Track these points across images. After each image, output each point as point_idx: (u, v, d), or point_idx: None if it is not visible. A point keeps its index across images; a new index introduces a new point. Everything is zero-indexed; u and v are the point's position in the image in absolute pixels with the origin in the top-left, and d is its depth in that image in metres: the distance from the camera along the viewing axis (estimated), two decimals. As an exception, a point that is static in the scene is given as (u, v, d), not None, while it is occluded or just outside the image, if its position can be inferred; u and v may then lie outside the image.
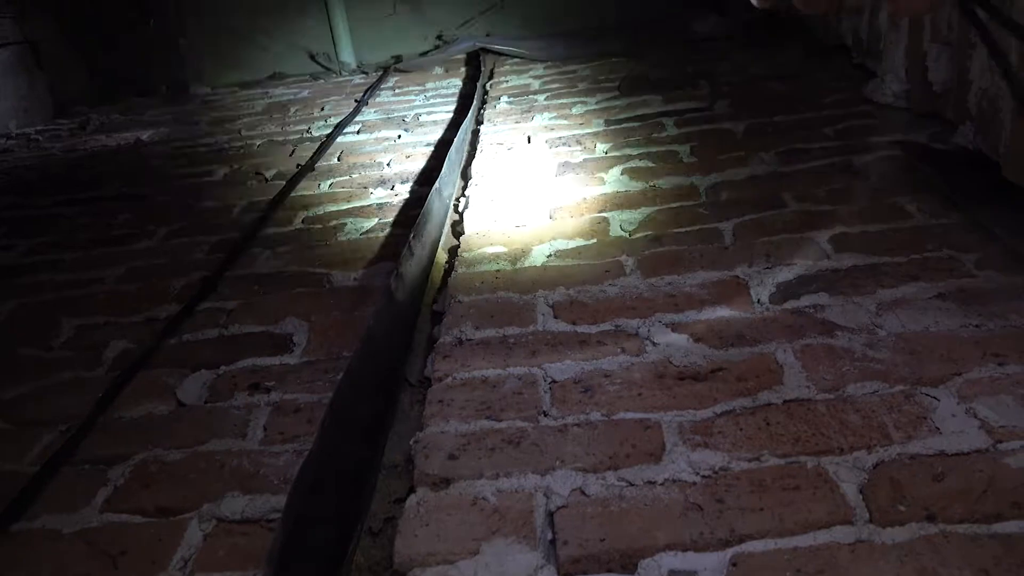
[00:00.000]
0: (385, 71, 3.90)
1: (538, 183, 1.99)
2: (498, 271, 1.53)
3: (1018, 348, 1.10)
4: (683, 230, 1.62)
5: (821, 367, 1.12)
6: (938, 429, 0.97)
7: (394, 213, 1.97)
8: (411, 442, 1.07)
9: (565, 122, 2.51)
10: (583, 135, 2.34)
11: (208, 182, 2.46)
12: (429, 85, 3.49)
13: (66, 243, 2.08)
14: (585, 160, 2.12)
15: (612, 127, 2.39)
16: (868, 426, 0.99)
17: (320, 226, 1.95)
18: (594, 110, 2.60)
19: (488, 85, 3.22)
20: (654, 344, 1.23)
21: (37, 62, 3.78)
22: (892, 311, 1.23)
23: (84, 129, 3.52)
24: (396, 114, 3.02)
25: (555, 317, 1.34)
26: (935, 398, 1.02)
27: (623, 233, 1.64)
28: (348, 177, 2.30)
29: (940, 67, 1.89)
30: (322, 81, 3.96)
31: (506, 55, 3.77)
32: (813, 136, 2.05)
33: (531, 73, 3.36)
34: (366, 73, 4.02)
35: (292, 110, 3.35)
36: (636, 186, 1.89)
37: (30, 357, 1.49)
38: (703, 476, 0.94)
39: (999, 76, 1.57)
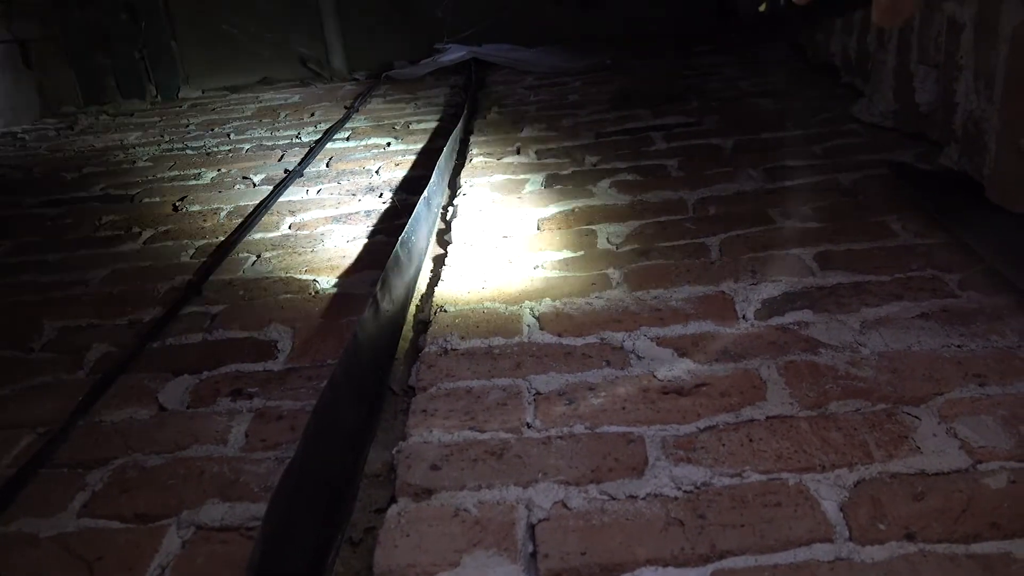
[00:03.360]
0: (376, 78, 3.90)
1: (526, 194, 2.00)
2: (484, 281, 1.53)
3: (999, 369, 1.11)
4: (670, 244, 1.62)
5: (804, 384, 1.12)
6: (919, 448, 0.97)
7: (382, 221, 1.97)
8: (393, 451, 1.07)
9: (555, 134, 2.51)
10: (572, 147, 2.35)
11: (195, 185, 2.45)
12: (420, 93, 3.49)
13: (50, 244, 2.06)
14: (574, 172, 2.13)
15: (601, 140, 2.40)
16: (850, 444, 0.99)
17: (307, 232, 1.95)
18: (584, 122, 2.61)
19: (478, 95, 3.23)
20: (639, 358, 1.23)
21: (25, 61, 3.75)
22: (875, 329, 1.24)
23: (71, 129, 3.50)
24: (386, 121, 3.02)
25: (541, 329, 1.34)
26: (916, 417, 1.03)
27: (610, 246, 1.65)
28: (336, 183, 2.30)
29: (927, 88, 1.91)
30: (313, 87, 3.96)
31: (498, 66, 3.78)
32: (800, 153, 2.07)
33: (522, 84, 3.37)
34: (357, 80, 4.02)
35: (282, 115, 3.35)
36: (624, 199, 1.89)
37: (10, 359, 1.47)
38: (685, 491, 0.95)
39: (984, 99, 1.59)
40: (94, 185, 2.56)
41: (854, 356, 1.17)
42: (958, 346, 1.17)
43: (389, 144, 2.68)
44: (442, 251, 1.73)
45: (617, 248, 1.63)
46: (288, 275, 1.71)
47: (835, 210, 1.69)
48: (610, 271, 1.53)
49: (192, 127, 3.31)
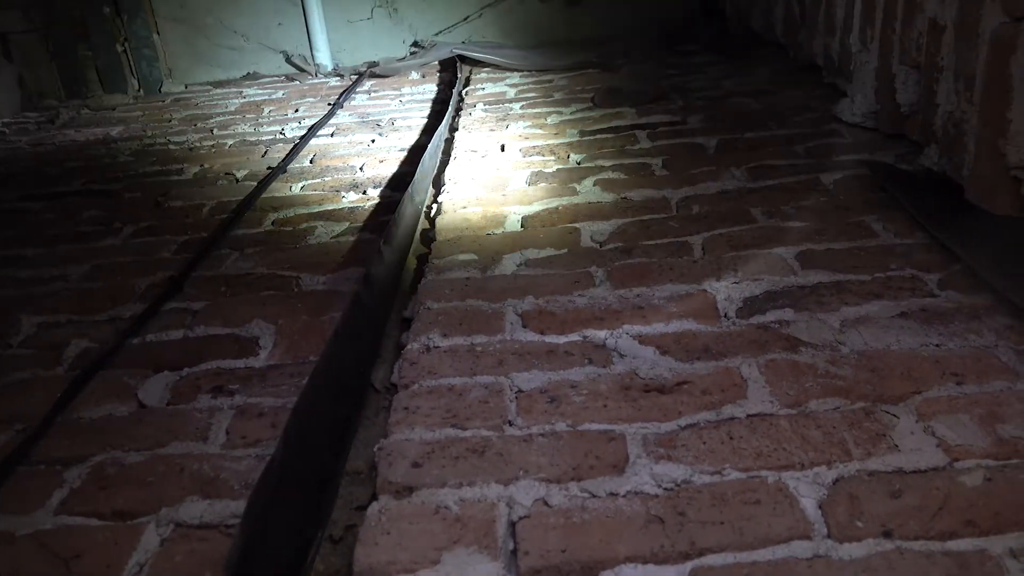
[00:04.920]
0: (361, 75, 3.89)
1: (511, 192, 2.00)
2: (468, 279, 1.53)
3: (976, 368, 1.12)
4: (653, 242, 1.63)
5: (784, 382, 1.13)
6: (897, 446, 0.98)
7: (365, 217, 1.96)
8: (375, 449, 1.07)
9: (540, 131, 2.51)
10: (557, 145, 2.35)
11: (178, 180, 2.43)
12: (405, 90, 3.48)
13: (30, 239, 2.04)
14: (558, 170, 2.13)
15: (586, 138, 2.40)
16: (829, 442, 1.00)
17: (290, 228, 1.94)
18: (569, 120, 2.61)
19: (464, 92, 3.22)
20: (621, 355, 1.23)
21: (5, 54, 3.71)
22: (855, 328, 1.24)
23: (52, 123, 3.47)
24: (371, 118, 3.01)
25: (523, 326, 1.34)
26: (895, 416, 1.04)
27: (594, 244, 1.65)
28: (320, 180, 2.29)
29: (908, 89, 1.92)
30: (297, 83, 3.93)
31: (483, 63, 3.77)
32: (783, 153, 2.08)
33: (507, 82, 3.36)
34: (342, 76, 4.00)
35: (266, 111, 3.33)
36: (608, 197, 1.90)
37: (-12, 354, 1.46)
38: (665, 489, 0.95)
39: (964, 100, 1.61)
40: (75, 180, 2.54)
41: (834, 355, 1.18)
42: (936, 345, 1.18)
43: (374, 141, 2.67)
44: (425, 248, 1.73)
45: (601, 246, 1.64)
46: (271, 271, 1.70)
47: (816, 210, 1.70)
48: (593, 269, 1.53)
49: (175, 122, 3.29)
